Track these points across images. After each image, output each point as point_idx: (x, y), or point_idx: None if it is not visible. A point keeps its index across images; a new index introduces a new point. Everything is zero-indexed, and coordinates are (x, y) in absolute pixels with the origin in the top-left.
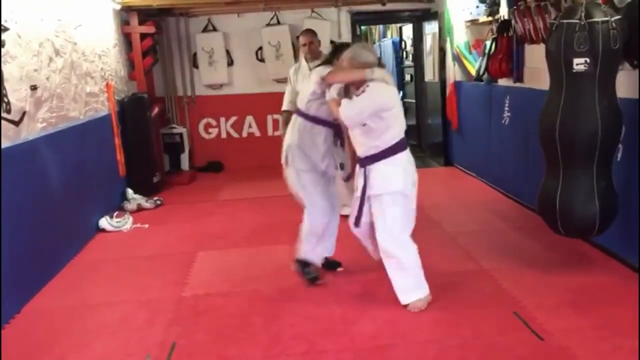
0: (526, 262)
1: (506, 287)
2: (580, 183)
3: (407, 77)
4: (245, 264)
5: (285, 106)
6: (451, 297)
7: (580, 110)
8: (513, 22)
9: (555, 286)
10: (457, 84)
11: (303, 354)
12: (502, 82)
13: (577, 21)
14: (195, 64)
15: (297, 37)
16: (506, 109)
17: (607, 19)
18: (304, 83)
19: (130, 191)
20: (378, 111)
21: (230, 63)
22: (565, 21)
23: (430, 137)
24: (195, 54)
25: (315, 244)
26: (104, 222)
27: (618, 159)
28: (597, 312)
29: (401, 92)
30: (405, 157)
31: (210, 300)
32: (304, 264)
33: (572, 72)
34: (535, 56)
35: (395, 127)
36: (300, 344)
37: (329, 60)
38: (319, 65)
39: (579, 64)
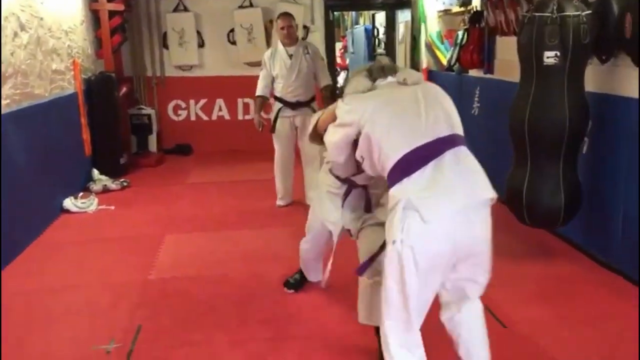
0: (492, 251)
1: None
2: (547, 175)
3: None
4: (214, 248)
5: (259, 91)
6: None
7: (550, 103)
8: (485, 13)
9: (520, 276)
10: (428, 73)
11: (270, 339)
12: (473, 72)
13: (549, 14)
14: (165, 44)
15: (270, 21)
16: (476, 99)
17: (578, 13)
18: (281, 68)
19: (96, 172)
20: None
21: (201, 44)
22: (537, 14)
23: None
24: (165, 34)
25: None
26: (69, 203)
27: (583, 152)
28: (561, 302)
29: None
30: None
31: (177, 284)
32: None
33: (543, 65)
34: (506, 48)
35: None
36: (267, 329)
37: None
38: None
39: (550, 57)
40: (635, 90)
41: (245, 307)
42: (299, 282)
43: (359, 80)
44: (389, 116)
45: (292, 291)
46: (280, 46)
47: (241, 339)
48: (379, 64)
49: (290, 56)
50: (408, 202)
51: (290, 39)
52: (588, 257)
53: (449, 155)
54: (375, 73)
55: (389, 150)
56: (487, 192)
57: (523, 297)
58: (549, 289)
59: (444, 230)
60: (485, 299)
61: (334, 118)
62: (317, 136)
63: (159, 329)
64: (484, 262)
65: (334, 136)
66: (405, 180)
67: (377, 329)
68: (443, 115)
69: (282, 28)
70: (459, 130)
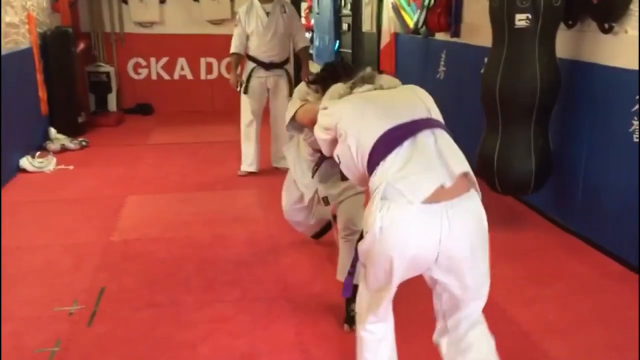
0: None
1: None
2: (518, 140)
3: (345, 27)
4: (177, 209)
5: (234, 48)
6: None
7: (521, 67)
8: None
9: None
10: (395, 36)
11: (236, 300)
12: (440, 36)
13: None
14: None
15: None
16: (442, 63)
17: None
18: (257, 26)
19: (53, 131)
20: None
21: (163, 1)
22: None
23: None
24: None
25: None
26: (25, 162)
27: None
28: (520, 264)
29: (337, 42)
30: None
31: (141, 245)
32: None
33: (514, 28)
34: (474, 12)
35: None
36: (232, 290)
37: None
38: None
39: (521, 19)
40: (601, 56)
41: (210, 269)
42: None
43: (336, 88)
44: (362, 107)
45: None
46: (256, 2)
47: (206, 300)
48: (362, 74)
49: (267, 14)
50: (387, 188)
51: None
52: (548, 220)
53: (424, 133)
54: (356, 83)
55: (364, 138)
56: (460, 167)
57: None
58: (510, 251)
59: (431, 210)
60: None
61: (314, 115)
62: (296, 125)
63: (122, 290)
64: (476, 262)
65: (322, 135)
66: (380, 166)
67: None
68: (420, 103)
69: None
70: (438, 117)
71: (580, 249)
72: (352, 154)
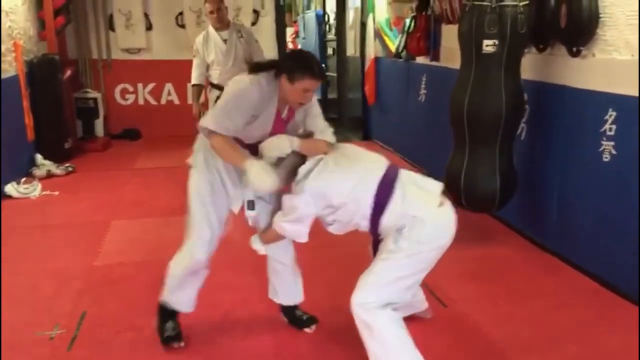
0: None
1: None
2: (484, 159)
3: (330, 51)
4: (161, 233)
5: (195, 80)
6: (359, 266)
7: (487, 90)
8: (431, 1)
9: (459, 257)
10: (377, 60)
11: (218, 322)
12: (420, 60)
13: (489, 4)
14: (111, 27)
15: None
16: (423, 86)
17: (515, 3)
18: (217, 54)
19: (39, 157)
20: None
21: (149, 27)
22: (477, 3)
23: (350, 112)
24: (111, 16)
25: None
26: (10, 189)
27: (522, 138)
28: (496, 282)
29: (323, 66)
30: None
31: (123, 269)
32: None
33: (482, 53)
34: (451, 36)
35: None
36: (216, 312)
37: None
38: None
39: (488, 45)
40: (571, 79)
41: None
42: (177, 328)
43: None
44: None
45: (182, 344)
46: (212, 31)
47: (189, 323)
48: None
49: (225, 41)
50: (403, 221)
51: (222, 23)
52: (524, 238)
53: (400, 176)
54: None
55: (359, 207)
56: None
57: (462, 278)
58: (486, 269)
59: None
60: (427, 280)
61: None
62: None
63: (104, 314)
64: None
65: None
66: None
67: None
68: (377, 160)
69: (212, 12)
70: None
71: (555, 266)
72: (351, 216)
